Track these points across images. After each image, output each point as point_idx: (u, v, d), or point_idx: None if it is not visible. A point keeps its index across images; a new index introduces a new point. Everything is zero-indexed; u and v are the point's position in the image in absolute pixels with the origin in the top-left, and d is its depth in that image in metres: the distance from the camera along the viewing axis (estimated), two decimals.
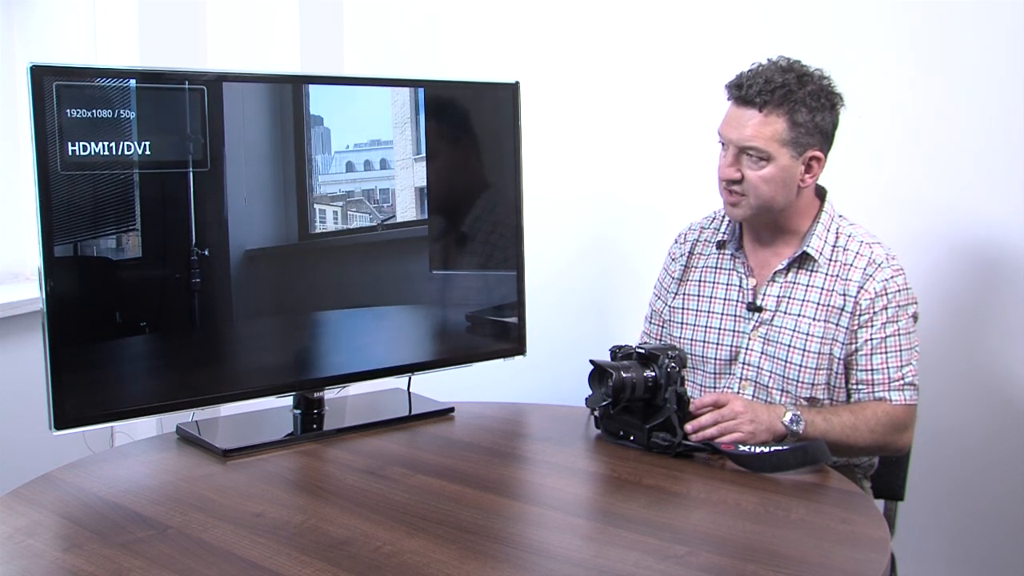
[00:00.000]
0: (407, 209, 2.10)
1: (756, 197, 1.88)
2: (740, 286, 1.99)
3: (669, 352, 1.80)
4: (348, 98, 2.07)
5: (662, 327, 2.13)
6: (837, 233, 1.95)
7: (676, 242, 2.14)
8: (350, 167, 2.03)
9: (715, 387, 1.99)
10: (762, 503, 1.59)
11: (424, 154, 2.11)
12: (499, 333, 2.23)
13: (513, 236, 2.22)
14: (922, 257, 2.33)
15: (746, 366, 1.96)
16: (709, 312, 2.01)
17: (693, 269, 2.07)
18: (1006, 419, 2.34)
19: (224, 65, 2.95)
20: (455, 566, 1.37)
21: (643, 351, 1.81)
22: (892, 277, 1.90)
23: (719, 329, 1.99)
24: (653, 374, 1.79)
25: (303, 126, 1.97)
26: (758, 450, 1.71)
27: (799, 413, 1.80)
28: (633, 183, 2.76)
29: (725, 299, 2.00)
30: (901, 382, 1.89)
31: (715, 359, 1.99)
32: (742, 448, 1.72)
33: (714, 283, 2.03)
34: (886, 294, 1.89)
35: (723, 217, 2.05)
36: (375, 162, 2.06)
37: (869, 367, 1.89)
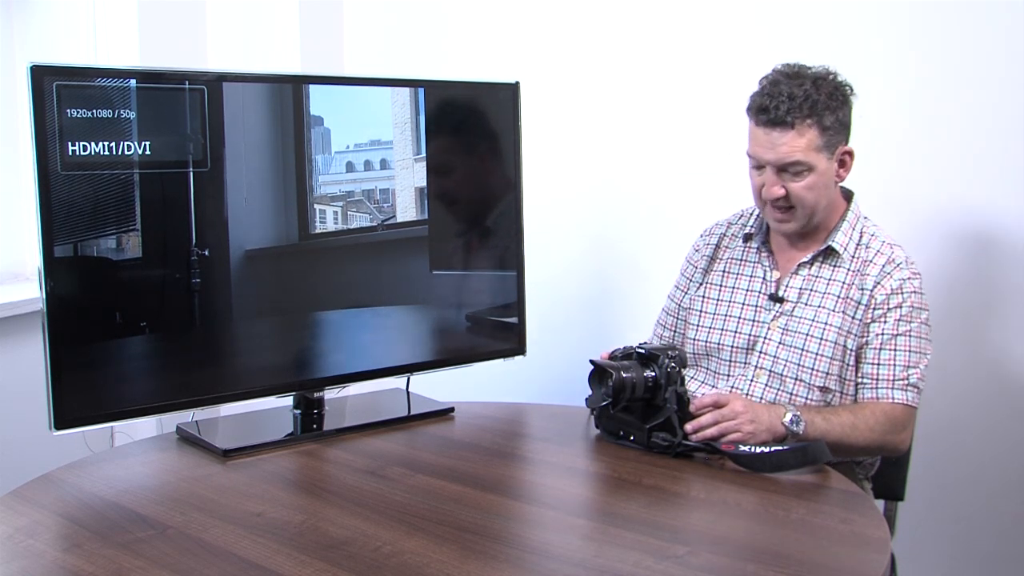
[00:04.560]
0: (407, 209, 2.10)
1: (803, 207, 1.92)
2: (764, 278, 2.02)
3: (669, 352, 1.80)
4: (348, 98, 2.07)
5: (678, 318, 2.14)
6: (861, 232, 1.99)
7: (702, 236, 2.17)
8: (350, 167, 2.03)
9: (729, 374, 2.01)
10: (762, 503, 1.59)
11: (424, 154, 2.11)
12: (499, 333, 2.23)
13: (513, 236, 2.22)
14: (921, 255, 2.33)
15: (763, 355, 1.97)
16: (730, 302, 2.04)
17: (718, 260, 2.10)
18: (1006, 419, 2.34)
19: (224, 65, 2.95)
20: (455, 566, 1.37)
21: (643, 351, 1.81)
22: (909, 279, 1.93)
23: (739, 318, 2.02)
24: (653, 374, 1.79)
25: (303, 126, 1.97)
26: (758, 450, 1.71)
27: (799, 413, 1.80)
28: (633, 183, 2.76)
29: (748, 290, 2.03)
30: (905, 382, 1.89)
31: (732, 347, 2.01)
32: (742, 448, 1.72)
33: (738, 274, 2.06)
34: (901, 292, 1.91)
35: (751, 213, 2.09)
36: (375, 162, 2.06)
37: (876, 361, 1.91)
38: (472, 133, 2.21)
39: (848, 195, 2.02)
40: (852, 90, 1.93)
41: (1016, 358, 2.33)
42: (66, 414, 1.71)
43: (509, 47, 2.89)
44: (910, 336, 1.91)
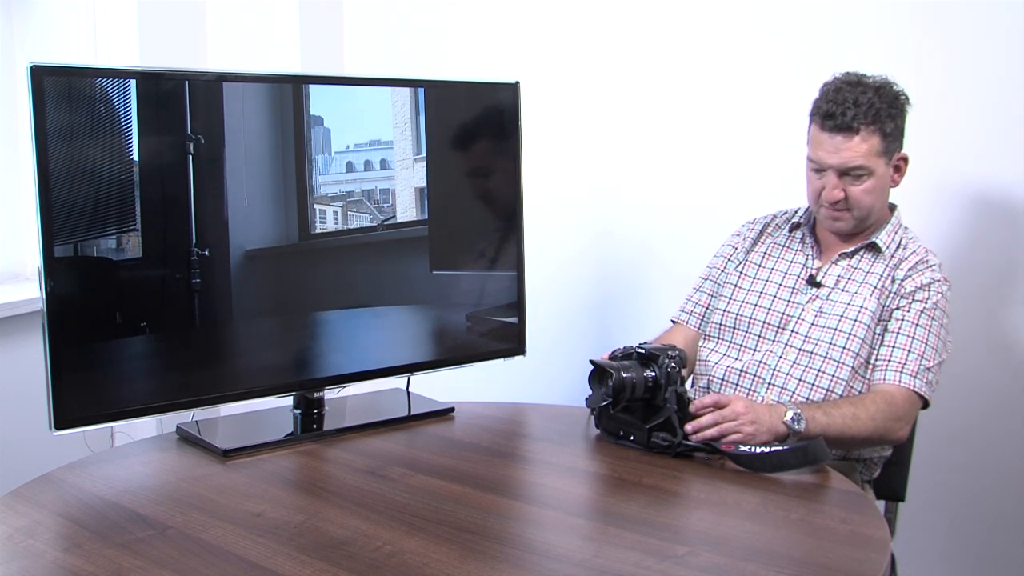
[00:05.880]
0: (407, 209, 2.10)
1: (860, 209, 1.97)
2: (804, 264, 2.06)
3: (669, 352, 1.80)
4: (348, 98, 2.07)
5: (711, 296, 2.16)
6: (901, 237, 2.04)
7: (744, 224, 2.20)
8: (350, 167, 2.03)
9: (756, 348, 2.03)
10: (762, 503, 1.59)
11: (424, 154, 2.11)
12: (499, 333, 2.23)
13: (513, 236, 2.22)
14: None
15: (794, 334, 2.00)
16: (767, 281, 2.08)
17: (761, 244, 2.14)
18: (1006, 420, 2.34)
19: (224, 65, 2.95)
20: (455, 566, 1.37)
21: (643, 351, 1.81)
22: (939, 281, 1.97)
23: (774, 296, 2.05)
24: (653, 374, 1.79)
25: (303, 126, 1.97)
26: (758, 450, 1.71)
27: (800, 412, 1.80)
28: (633, 183, 2.77)
29: (786, 272, 2.07)
30: (915, 369, 1.91)
31: (763, 322, 2.04)
32: (742, 448, 1.72)
33: (779, 258, 2.10)
34: (929, 289, 1.96)
35: (795, 211, 2.13)
36: (375, 162, 2.06)
37: (892, 344, 1.93)
38: (472, 133, 2.21)
39: (892, 207, 2.06)
40: (908, 99, 1.97)
41: (1018, 359, 2.33)
42: (66, 414, 1.71)
43: (509, 47, 2.89)
44: (930, 331, 1.94)
